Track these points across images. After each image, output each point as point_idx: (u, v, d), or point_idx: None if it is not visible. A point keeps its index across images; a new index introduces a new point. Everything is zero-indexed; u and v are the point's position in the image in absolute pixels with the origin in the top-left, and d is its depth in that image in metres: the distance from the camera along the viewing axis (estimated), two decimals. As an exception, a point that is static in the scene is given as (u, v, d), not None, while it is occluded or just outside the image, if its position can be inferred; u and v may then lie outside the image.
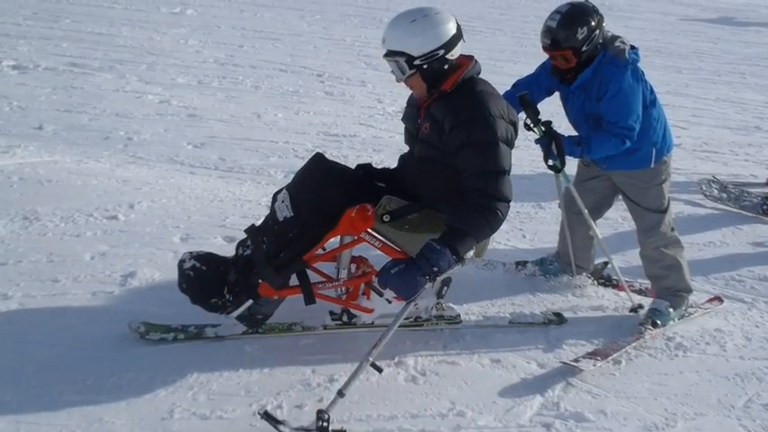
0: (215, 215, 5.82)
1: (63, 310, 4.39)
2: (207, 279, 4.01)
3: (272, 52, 11.57)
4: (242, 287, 4.01)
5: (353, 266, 4.26)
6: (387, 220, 3.92)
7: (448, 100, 3.88)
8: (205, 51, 11.18)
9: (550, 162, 4.62)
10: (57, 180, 6.16)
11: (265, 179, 6.72)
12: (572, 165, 4.81)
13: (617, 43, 4.51)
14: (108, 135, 7.45)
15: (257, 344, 4.21)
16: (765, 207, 6.83)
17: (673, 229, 4.87)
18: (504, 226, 3.92)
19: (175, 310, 4.31)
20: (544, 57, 4.71)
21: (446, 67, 3.87)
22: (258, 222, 4.24)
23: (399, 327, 3.84)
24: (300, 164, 4.30)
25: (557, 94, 4.86)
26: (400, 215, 3.96)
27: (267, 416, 3.44)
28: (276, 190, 4.22)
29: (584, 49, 4.42)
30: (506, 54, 12.07)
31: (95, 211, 5.61)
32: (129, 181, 6.31)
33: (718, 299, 5.20)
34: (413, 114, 4.16)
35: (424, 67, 3.83)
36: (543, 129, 4.57)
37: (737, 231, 6.50)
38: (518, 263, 5.41)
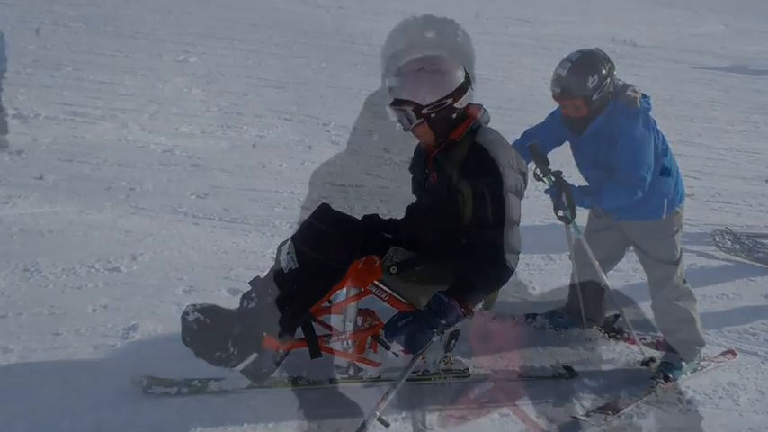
0: (219, 267, 5.77)
1: (64, 363, 4.34)
2: (211, 332, 3.95)
3: (278, 101, 11.56)
4: (246, 340, 3.95)
5: (360, 319, 4.21)
6: (394, 271, 3.87)
7: (456, 149, 3.84)
8: (209, 100, 11.16)
9: (560, 213, 4.59)
10: (58, 231, 6.12)
11: (270, 230, 6.67)
12: (583, 215, 4.78)
13: (628, 92, 4.49)
14: (110, 185, 7.39)
15: (262, 398, 4.15)
16: (779, 258, 6.79)
17: (685, 281, 4.83)
18: (513, 278, 3.88)
19: (179, 363, 4.24)
20: (554, 105, 4.70)
21: (454, 116, 3.84)
22: (263, 274, 4.19)
23: (407, 380, 3.84)
24: (306, 214, 4.26)
25: (567, 143, 4.83)
26: (407, 267, 3.90)
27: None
28: (281, 241, 4.18)
29: (594, 97, 4.40)
30: (515, 103, 12.05)
31: (97, 263, 5.56)
32: (131, 232, 6.26)
33: (732, 352, 5.13)
34: (420, 164, 4.13)
35: (432, 116, 3.80)
36: (553, 179, 4.55)
37: (751, 283, 6.43)
38: (528, 315, 5.35)
